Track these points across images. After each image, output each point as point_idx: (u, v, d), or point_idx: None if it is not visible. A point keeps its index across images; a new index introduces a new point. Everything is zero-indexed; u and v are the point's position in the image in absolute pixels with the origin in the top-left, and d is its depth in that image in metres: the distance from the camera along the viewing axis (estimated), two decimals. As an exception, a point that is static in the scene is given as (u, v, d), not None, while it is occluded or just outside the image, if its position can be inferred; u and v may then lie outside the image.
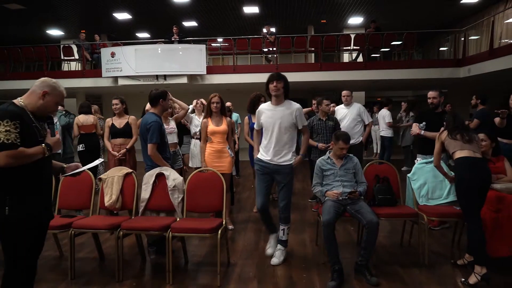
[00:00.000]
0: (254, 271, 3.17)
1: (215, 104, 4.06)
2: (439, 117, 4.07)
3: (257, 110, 3.40)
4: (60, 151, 4.47)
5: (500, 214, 3.10)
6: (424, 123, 4.18)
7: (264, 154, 3.31)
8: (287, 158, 3.25)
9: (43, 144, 2.04)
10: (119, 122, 4.51)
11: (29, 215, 2.01)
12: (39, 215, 2.09)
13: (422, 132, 4.12)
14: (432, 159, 3.75)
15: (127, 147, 4.45)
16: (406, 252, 3.58)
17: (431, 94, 4.25)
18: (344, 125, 5.10)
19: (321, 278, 3.00)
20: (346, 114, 5.24)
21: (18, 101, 2.08)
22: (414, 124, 4.32)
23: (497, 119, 4.48)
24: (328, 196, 3.24)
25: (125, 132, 4.52)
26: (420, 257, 3.29)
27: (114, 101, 4.47)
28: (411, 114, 8.31)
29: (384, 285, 2.86)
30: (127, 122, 4.56)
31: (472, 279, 2.81)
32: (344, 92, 5.31)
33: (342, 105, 5.40)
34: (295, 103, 3.28)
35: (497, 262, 3.09)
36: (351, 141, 5.06)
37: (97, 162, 2.50)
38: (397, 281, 2.95)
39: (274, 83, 3.15)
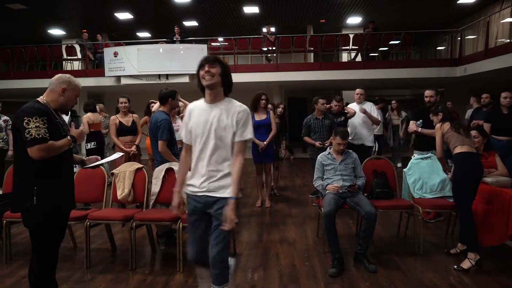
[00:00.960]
0: (259, 260, 3.36)
1: None
2: None
3: (187, 109, 2.30)
4: None
5: (491, 206, 3.30)
6: (421, 120, 4.37)
7: (191, 182, 2.16)
8: (226, 185, 2.09)
9: (69, 137, 2.22)
10: (127, 120, 4.69)
11: (55, 205, 2.19)
12: (63, 206, 2.27)
13: (419, 129, 4.31)
14: (428, 155, 3.97)
15: (136, 143, 4.63)
16: (402, 242, 3.78)
17: (428, 93, 4.45)
18: (355, 124, 5.24)
19: (322, 266, 3.19)
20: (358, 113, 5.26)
21: (42, 99, 2.26)
22: (411, 122, 4.50)
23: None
24: (328, 190, 3.43)
25: (133, 129, 4.70)
26: (415, 247, 3.48)
27: (123, 99, 4.64)
28: (404, 114, 8.42)
29: (382, 272, 3.06)
30: (133, 120, 4.74)
31: (466, 264, 3.04)
32: (357, 90, 5.40)
33: (354, 103, 5.47)
34: (241, 104, 2.17)
35: (489, 249, 3.30)
36: (360, 142, 5.27)
37: (116, 155, 2.67)
38: (393, 268, 3.14)
39: (206, 68, 2.07)
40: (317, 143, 4.81)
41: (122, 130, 4.65)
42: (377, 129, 8.17)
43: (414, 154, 4.49)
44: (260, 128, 4.97)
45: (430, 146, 3.98)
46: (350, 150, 3.68)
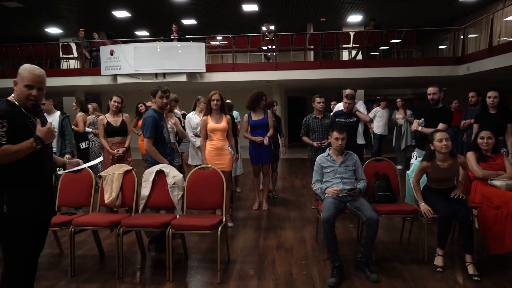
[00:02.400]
0: (254, 268, 3.18)
1: (215, 102, 4.06)
2: (438, 113, 4.15)
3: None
4: (54, 149, 4.45)
5: (499, 211, 3.11)
6: (422, 119, 4.24)
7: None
8: None
9: (32, 138, 1.95)
10: (115, 120, 4.49)
11: (26, 214, 1.99)
12: (38, 213, 2.08)
13: (420, 128, 4.20)
14: None
15: (126, 145, 4.42)
16: (406, 249, 3.59)
17: (431, 90, 4.27)
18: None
19: (321, 275, 3.01)
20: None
21: (11, 97, 2.07)
22: (414, 121, 4.38)
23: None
24: (328, 193, 3.24)
25: (122, 130, 4.50)
26: (419, 254, 3.30)
27: (116, 98, 4.45)
28: (409, 112, 8.24)
29: (384, 282, 2.87)
30: (123, 120, 4.54)
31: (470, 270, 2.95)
32: (347, 91, 5.32)
33: (341, 104, 5.41)
34: None
35: (496, 258, 3.11)
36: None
37: (98, 160, 2.50)
38: (396, 277, 2.95)
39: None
40: (315, 143, 4.63)
41: (110, 131, 4.44)
42: (380, 129, 8.00)
43: (414, 153, 4.41)
44: (258, 128, 4.84)
45: None
46: (350, 152, 3.49)
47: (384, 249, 3.57)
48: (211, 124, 4.08)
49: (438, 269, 3.06)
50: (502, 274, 3.00)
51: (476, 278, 2.89)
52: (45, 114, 4.43)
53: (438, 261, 3.11)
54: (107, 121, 4.45)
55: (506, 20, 10.25)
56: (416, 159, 4.33)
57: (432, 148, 3.25)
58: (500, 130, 3.89)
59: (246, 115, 4.96)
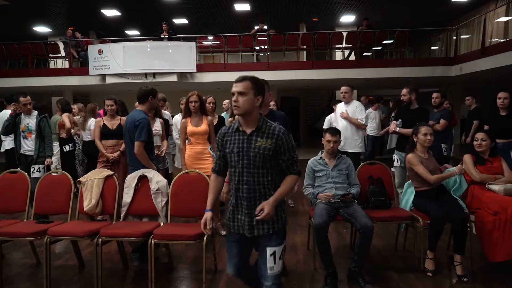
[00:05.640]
0: (242, 278, 3.01)
1: (193, 104, 3.82)
2: (415, 113, 4.17)
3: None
4: (31, 152, 4.24)
5: (498, 217, 2.99)
6: (400, 120, 4.29)
7: None
8: None
9: None
10: (112, 123, 4.29)
11: None
12: None
13: (397, 129, 4.27)
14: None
15: (121, 149, 4.22)
16: (401, 256, 3.46)
17: (403, 91, 4.32)
18: (340, 127, 4.56)
19: (313, 285, 2.85)
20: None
21: None
22: (392, 122, 4.47)
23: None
24: (320, 199, 3.09)
25: (118, 133, 4.29)
26: (415, 262, 3.16)
27: (108, 102, 4.26)
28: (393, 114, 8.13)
29: (379, 292, 2.73)
30: (120, 123, 4.34)
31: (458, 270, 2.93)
32: (342, 88, 4.84)
33: (342, 103, 4.94)
34: None
35: (496, 267, 2.99)
36: (348, 149, 4.71)
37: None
38: (392, 287, 2.81)
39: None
40: None
41: (105, 133, 4.25)
42: (373, 131, 7.88)
43: (395, 156, 4.38)
44: None
45: None
46: (343, 155, 3.35)
47: (379, 256, 3.43)
48: (190, 127, 3.87)
49: (428, 273, 2.97)
50: (492, 276, 2.93)
51: (465, 279, 2.87)
52: (22, 115, 4.29)
53: (429, 264, 3.04)
54: (104, 123, 4.25)
55: (497, 21, 10.25)
56: (397, 162, 4.25)
57: (415, 139, 3.28)
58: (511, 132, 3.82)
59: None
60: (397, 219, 3.26)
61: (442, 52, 11.74)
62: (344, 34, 10.84)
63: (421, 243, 3.12)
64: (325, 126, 4.92)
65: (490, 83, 10.13)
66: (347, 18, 12.52)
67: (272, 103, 5.54)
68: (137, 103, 3.42)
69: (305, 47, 11.05)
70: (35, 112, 4.22)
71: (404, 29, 10.34)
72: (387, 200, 3.34)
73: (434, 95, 5.28)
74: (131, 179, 3.19)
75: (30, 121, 4.20)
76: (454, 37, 10.35)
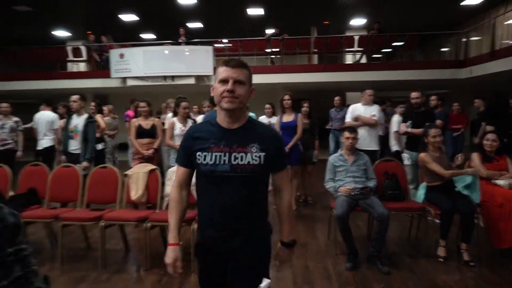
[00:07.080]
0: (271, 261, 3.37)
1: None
2: (422, 115, 4.50)
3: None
4: (78, 151, 4.60)
5: (503, 208, 3.32)
6: (410, 121, 4.58)
7: None
8: None
9: None
10: (146, 123, 4.67)
11: None
12: None
13: (409, 129, 4.56)
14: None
15: (155, 146, 4.62)
16: (414, 244, 3.79)
17: (413, 94, 4.65)
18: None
19: (336, 268, 3.21)
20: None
21: None
22: (402, 124, 4.73)
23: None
24: (340, 192, 3.45)
25: (152, 133, 4.68)
26: (427, 249, 3.49)
27: (142, 104, 4.65)
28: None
29: (395, 274, 3.07)
30: (153, 124, 4.73)
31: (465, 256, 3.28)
32: (368, 91, 5.05)
33: (359, 104, 5.05)
34: None
35: (501, 254, 3.32)
36: (366, 148, 4.73)
37: None
38: (407, 270, 3.16)
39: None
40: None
41: (140, 133, 4.65)
42: (379, 131, 8.17)
43: (405, 155, 4.67)
44: (285, 130, 4.81)
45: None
46: (361, 152, 3.71)
47: (394, 245, 3.77)
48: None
49: (439, 259, 3.30)
50: (497, 261, 3.25)
51: (472, 263, 3.20)
52: (74, 115, 4.67)
53: (441, 251, 3.37)
54: (139, 124, 4.65)
55: (507, 23, 10.44)
56: (408, 160, 4.57)
57: (426, 141, 3.63)
58: None
59: (278, 117, 5.10)
60: (410, 210, 3.62)
61: (452, 55, 11.97)
62: (356, 38, 11.14)
63: (433, 233, 3.46)
64: (348, 115, 5.07)
65: (503, 85, 10.32)
66: (357, 22, 12.81)
67: (305, 104, 5.46)
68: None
69: (316, 50, 11.37)
70: (86, 115, 4.62)
71: (414, 33, 10.58)
72: (401, 194, 3.68)
73: (432, 97, 5.69)
74: (172, 173, 3.58)
75: (79, 122, 4.58)
76: (464, 40, 10.57)
